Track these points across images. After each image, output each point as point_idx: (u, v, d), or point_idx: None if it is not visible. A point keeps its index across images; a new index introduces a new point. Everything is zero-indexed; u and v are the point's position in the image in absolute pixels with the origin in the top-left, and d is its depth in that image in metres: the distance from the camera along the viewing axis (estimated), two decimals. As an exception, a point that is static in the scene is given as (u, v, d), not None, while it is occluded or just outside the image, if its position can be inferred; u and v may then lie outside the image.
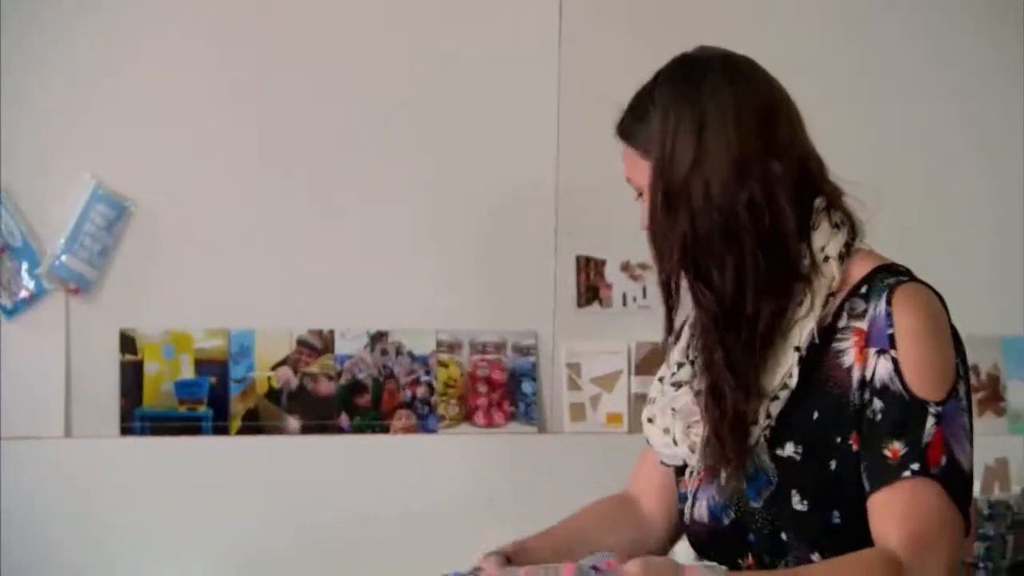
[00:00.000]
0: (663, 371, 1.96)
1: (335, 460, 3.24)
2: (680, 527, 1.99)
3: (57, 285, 3.08)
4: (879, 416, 1.68)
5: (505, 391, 3.38)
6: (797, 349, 1.74)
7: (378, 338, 3.30)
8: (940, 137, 3.69)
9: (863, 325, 1.72)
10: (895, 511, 1.65)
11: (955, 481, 1.65)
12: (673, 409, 1.88)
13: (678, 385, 1.89)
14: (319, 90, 3.27)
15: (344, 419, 3.27)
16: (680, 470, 1.92)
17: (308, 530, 3.18)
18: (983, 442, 3.41)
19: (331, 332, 3.27)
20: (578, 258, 3.43)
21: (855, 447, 1.71)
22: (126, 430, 3.12)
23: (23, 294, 3.06)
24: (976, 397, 3.54)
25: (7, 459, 3.00)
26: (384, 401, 3.30)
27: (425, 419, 3.32)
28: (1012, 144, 3.73)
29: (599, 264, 3.44)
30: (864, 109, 3.62)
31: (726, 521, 1.83)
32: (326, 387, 3.26)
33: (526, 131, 3.39)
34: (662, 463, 1.96)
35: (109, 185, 3.11)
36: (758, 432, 1.77)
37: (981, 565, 3.15)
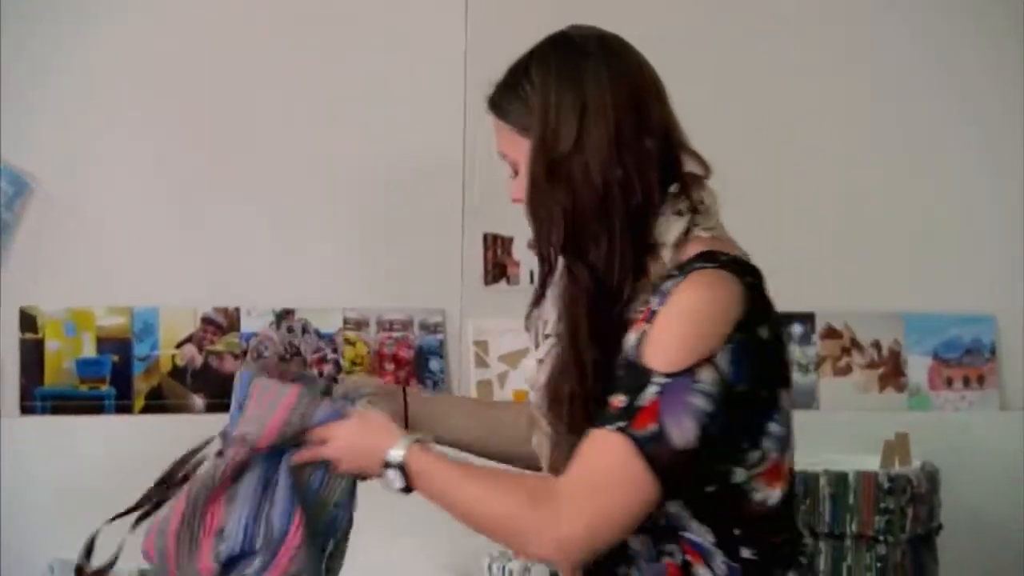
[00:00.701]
0: None
1: (241, 439, 3.22)
2: None
3: (-45, 262, 3.04)
4: (618, 373, 1.75)
5: (412, 369, 3.38)
6: None
7: (284, 316, 3.28)
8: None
9: (656, 302, 1.75)
10: (584, 452, 1.71)
11: (658, 453, 1.67)
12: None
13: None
14: (220, 65, 3.24)
15: (250, 397, 3.24)
16: None
17: (213, 509, 3.16)
18: (883, 417, 3.50)
19: (236, 310, 3.25)
20: (485, 235, 3.43)
21: None
22: (27, 409, 3.09)
23: (-81, 271, 3.02)
24: (877, 373, 3.58)
25: (-96, 439, 2.96)
26: (290, 379, 3.28)
27: (332, 397, 3.31)
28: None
29: (506, 241, 3.44)
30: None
31: None
32: (231, 365, 3.23)
33: (433, 107, 3.37)
34: None
35: (9, 160, 3.06)
36: None
37: (881, 539, 3.20)
